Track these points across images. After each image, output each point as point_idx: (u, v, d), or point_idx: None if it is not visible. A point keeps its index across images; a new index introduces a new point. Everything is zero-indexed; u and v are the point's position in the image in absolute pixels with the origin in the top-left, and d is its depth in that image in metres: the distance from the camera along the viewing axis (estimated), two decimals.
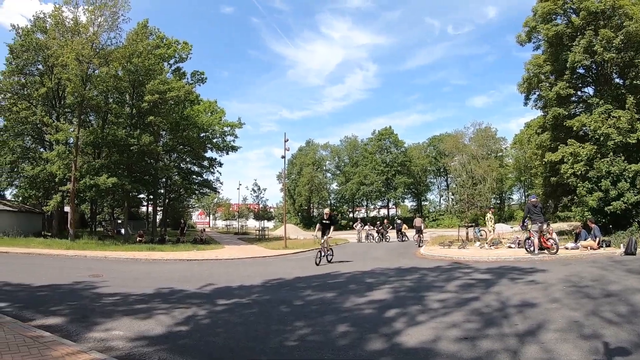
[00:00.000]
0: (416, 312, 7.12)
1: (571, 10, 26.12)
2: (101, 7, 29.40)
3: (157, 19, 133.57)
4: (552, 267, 12.37)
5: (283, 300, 8.99)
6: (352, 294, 9.36)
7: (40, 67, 34.89)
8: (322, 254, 16.25)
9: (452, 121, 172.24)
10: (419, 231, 26.91)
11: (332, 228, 16.67)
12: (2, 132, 34.52)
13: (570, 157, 24.33)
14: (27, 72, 34.84)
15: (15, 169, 36.01)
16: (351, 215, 79.30)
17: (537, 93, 28.34)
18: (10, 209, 34.44)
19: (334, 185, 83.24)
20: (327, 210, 18.04)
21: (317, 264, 15.49)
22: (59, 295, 9.86)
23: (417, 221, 28.65)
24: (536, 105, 29.06)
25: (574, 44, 24.80)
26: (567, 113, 25.93)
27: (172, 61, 37.85)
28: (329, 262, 16.36)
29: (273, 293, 10.19)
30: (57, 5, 31.05)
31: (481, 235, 24.51)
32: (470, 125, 62.59)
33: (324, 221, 16.74)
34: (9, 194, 42.06)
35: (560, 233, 23.27)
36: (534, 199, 16.22)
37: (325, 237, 16.37)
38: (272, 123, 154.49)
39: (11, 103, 32.80)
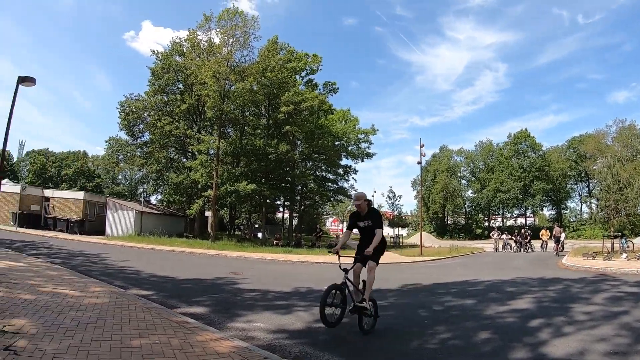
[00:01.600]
0: (561, 324, 6.92)
1: None
2: (232, 28, 32.42)
3: (285, 35, 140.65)
4: None
5: (421, 304, 9.00)
6: (492, 302, 9.27)
7: (180, 86, 39.40)
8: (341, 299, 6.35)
9: (591, 120, 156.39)
10: (558, 241, 26.11)
11: (377, 238, 6.49)
12: (148, 145, 39.15)
13: None
14: (169, 91, 39.52)
15: (161, 177, 40.52)
16: (486, 224, 76.32)
17: None
18: (156, 212, 39.02)
19: (469, 193, 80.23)
20: (359, 202, 6.79)
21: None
22: (202, 288, 10.83)
23: (557, 230, 27.89)
24: None
25: None
26: None
27: (303, 73, 40.24)
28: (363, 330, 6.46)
29: (410, 297, 10.33)
30: (192, 30, 35.14)
31: (627, 246, 23.14)
32: (612, 123, 55.97)
33: (361, 223, 6.87)
34: (154, 199, 47.47)
35: None
36: None
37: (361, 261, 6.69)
38: (403, 130, 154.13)
39: (156, 119, 37.26)
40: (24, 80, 9.22)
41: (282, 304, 8.81)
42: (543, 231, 31.82)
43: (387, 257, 26.59)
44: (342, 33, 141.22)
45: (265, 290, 10.48)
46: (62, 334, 4.99)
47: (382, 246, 6.77)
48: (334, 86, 43.00)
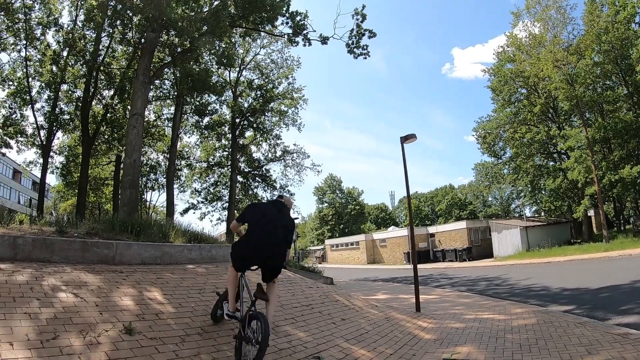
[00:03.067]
0: None
1: None
2: (545, 10, 30.58)
3: None
4: None
5: None
6: None
7: (523, 91, 38.47)
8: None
9: None
10: None
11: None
12: (514, 159, 38.94)
13: None
14: (514, 100, 39.13)
15: (536, 187, 39.62)
16: None
17: None
18: (539, 223, 38.02)
19: None
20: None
21: None
22: (622, 295, 9.91)
23: None
24: None
25: None
26: None
27: (637, 19, 33.37)
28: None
29: None
30: (509, 33, 35.21)
31: None
32: None
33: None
34: (528, 211, 46.41)
35: None
36: None
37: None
38: None
39: (512, 132, 37.30)
40: (406, 139, 10.79)
41: None
42: None
43: None
44: None
45: None
46: (509, 357, 5.53)
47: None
48: None
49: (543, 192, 39.20)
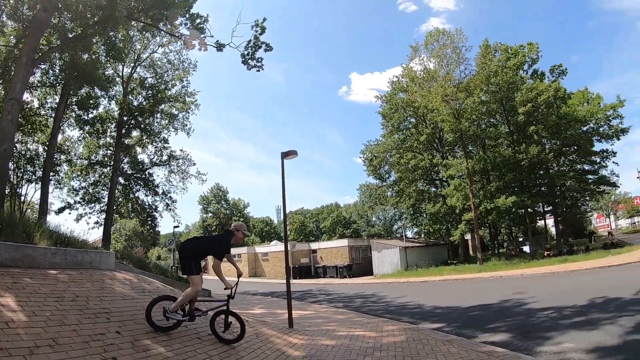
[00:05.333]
0: None
1: None
2: (442, 48, 32.75)
3: (489, 35, 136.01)
4: None
5: None
6: None
7: (412, 120, 41.02)
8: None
9: None
10: None
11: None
12: (397, 183, 41.31)
13: None
14: (403, 127, 41.63)
15: (417, 210, 42.07)
16: None
17: None
18: (418, 244, 40.46)
19: None
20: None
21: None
22: (490, 313, 10.58)
23: None
24: None
25: None
26: None
27: (525, 67, 37.89)
28: None
29: None
30: (405, 65, 37.21)
31: None
32: None
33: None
34: (409, 233, 49.41)
35: None
36: None
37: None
38: None
39: (398, 157, 39.18)
40: (287, 154, 10.92)
41: (582, 319, 8.38)
42: None
43: None
44: (539, 11, 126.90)
45: (558, 307, 10.06)
46: None
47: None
48: (561, 68, 38.88)
49: (424, 216, 41.51)
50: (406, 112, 40.13)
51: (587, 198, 42.73)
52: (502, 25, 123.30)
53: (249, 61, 17.29)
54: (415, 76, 36.43)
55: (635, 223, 73.50)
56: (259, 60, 17.34)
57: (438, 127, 36.69)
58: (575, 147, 36.15)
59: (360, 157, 42.22)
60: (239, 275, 6.87)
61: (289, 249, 39.22)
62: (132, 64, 28.29)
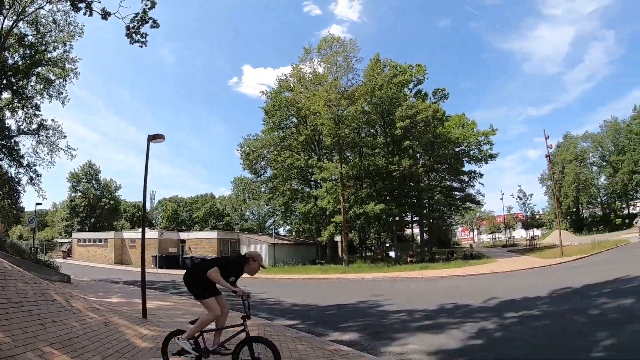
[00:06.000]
0: None
1: None
2: (333, 55, 33.42)
3: (383, 51, 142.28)
4: None
5: (576, 309, 8.71)
6: None
7: (294, 119, 41.31)
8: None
9: None
10: None
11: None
12: (272, 180, 41.43)
13: None
14: (284, 126, 41.82)
15: (289, 209, 42.46)
16: (626, 211, 69.10)
17: None
18: (287, 242, 41.00)
19: (602, 180, 73.64)
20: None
21: None
22: (346, 313, 10.97)
23: None
24: None
25: None
26: None
27: (411, 86, 40.27)
28: None
29: (563, 303, 9.93)
30: (295, 65, 37.17)
31: None
32: None
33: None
34: (282, 230, 49.94)
35: None
36: None
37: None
38: (520, 124, 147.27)
39: (275, 155, 39.42)
40: (153, 138, 10.30)
41: (430, 323, 8.78)
42: None
43: (526, 262, 25.83)
44: (438, 36, 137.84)
45: (410, 310, 10.46)
46: None
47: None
48: (443, 92, 42.29)
49: (295, 214, 42.07)
50: (289, 111, 40.34)
51: (454, 212, 46.70)
52: (401, 44, 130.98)
53: (133, 35, 15.87)
54: (303, 77, 36.80)
55: (495, 238, 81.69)
56: (144, 35, 15.96)
57: (318, 130, 37.33)
58: (447, 165, 39.18)
59: (238, 150, 41.67)
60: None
61: (156, 236, 37.66)
62: (15, 17, 24.73)
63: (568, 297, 10.75)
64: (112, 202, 68.31)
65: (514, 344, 6.47)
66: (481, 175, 41.55)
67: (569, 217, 74.00)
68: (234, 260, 5.77)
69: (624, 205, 71.73)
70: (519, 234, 72.74)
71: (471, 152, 40.44)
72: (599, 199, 73.30)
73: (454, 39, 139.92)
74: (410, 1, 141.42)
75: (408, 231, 50.99)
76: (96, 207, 65.69)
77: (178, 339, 5.35)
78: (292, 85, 39.87)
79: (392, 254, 38.10)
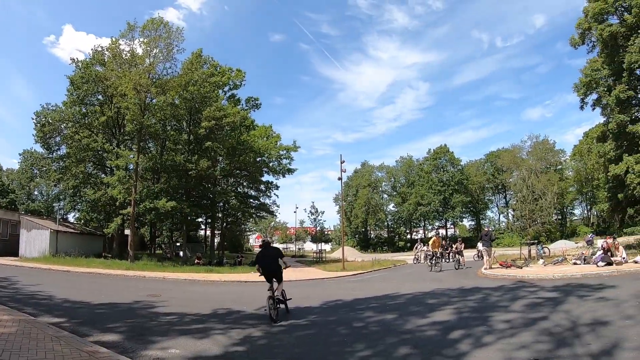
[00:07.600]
0: (481, 333, 7.02)
1: (622, 9, 25.96)
2: (156, 39, 31.55)
3: (210, 49, 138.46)
4: (621, 282, 12.12)
5: (342, 321, 9.08)
6: (413, 315, 9.34)
7: (100, 97, 37.66)
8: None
9: (508, 136, 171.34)
10: (459, 253, 26.74)
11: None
12: (65, 159, 37.10)
13: (636, 167, 23.67)
14: (88, 102, 37.62)
15: (78, 194, 38.44)
16: (409, 236, 79.21)
17: (596, 97, 28.40)
18: (73, 230, 36.77)
19: (391, 207, 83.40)
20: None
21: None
22: (117, 313, 10.50)
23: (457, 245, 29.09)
24: (594, 109, 29.22)
25: (629, 43, 24.52)
26: (629, 118, 25.37)
27: (226, 88, 39.80)
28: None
29: (331, 314, 10.33)
30: (114, 39, 33.92)
31: (544, 253, 24.09)
32: (527, 138, 63.01)
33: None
34: (71, 217, 44.92)
35: (628, 247, 22.33)
36: None
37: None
38: (326, 146, 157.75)
39: (73, 132, 35.46)
40: None
41: (199, 327, 8.62)
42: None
43: (310, 273, 26.72)
44: (268, 49, 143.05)
45: (183, 313, 10.29)
46: None
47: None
48: (256, 102, 43.14)
49: (86, 201, 38.42)
50: (96, 87, 36.43)
51: (247, 219, 47.24)
52: (230, 46, 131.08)
53: None
54: (119, 54, 33.30)
55: (286, 248, 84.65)
56: None
57: (122, 114, 34.56)
58: (246, 173, 39.43)
59: (34, 119, 36.23)
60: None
61: None
62: None
63: (337, 309, 11.16)
64: None
65: (275, 351, 6.62)
66: (277, 187, 43.21)
67: (357, 236, 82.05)
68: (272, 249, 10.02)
69: (407, 231, 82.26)
70: (310, 246, 77.88)
71: (271, 164, 41.59)
72: (386, 223, 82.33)
73: (281, 54, 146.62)
74: (254, 8, 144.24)
75: (201, 233, 50.30)
76: None
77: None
78: (106, 60, 36.02)
79: (182, 254, 37.16)
